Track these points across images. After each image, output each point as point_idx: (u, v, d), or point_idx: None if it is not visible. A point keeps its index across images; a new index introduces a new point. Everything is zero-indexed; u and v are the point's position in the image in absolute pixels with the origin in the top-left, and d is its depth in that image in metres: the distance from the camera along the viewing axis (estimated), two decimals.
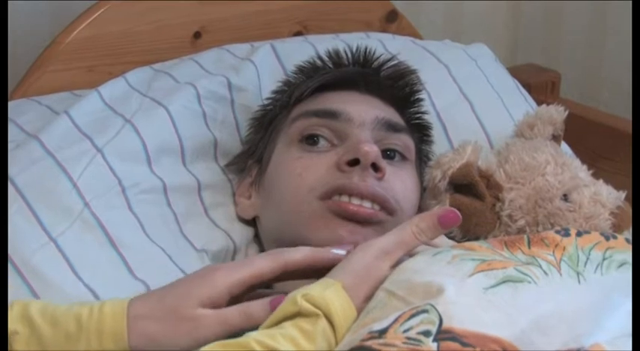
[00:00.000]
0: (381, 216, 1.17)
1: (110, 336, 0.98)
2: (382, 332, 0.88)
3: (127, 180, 1.24)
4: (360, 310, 0.95)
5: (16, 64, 1.42)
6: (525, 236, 1.00)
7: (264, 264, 1.02)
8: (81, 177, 1.21)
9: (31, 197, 1.18)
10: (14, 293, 1.08)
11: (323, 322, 0.93)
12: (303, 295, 0.94)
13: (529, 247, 0.98)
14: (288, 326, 0.92)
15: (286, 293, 0.98)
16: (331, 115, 1.22)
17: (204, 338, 0.97)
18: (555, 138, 1.34)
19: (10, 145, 1.22)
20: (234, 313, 0.99)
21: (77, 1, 1.49)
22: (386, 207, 1.17)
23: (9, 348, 0.97)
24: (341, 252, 1.03)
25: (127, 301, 1.00)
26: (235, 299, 1.01)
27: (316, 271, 1.01)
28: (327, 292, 0.94)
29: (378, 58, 1.31)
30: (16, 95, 1.38)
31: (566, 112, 1.35)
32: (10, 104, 1.32)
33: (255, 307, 1.00)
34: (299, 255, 1.03)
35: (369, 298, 0.96)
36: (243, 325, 0.97)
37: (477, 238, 1.22)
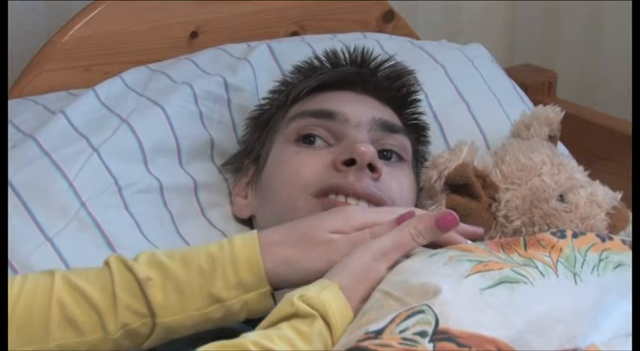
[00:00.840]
0: None
1: (245, 264, 0.99)
2: (378, 333, 0.88)
3: (123, 180, 1.24)
4: (356, 311, 0.95)
5: (13, 64, 1.42)
6: (521, 239, 1.00)
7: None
8: (77, 177, 1.21)
9: (27, 197, 1.18)
10: None
11: (319, 323, 0.92)
12: (300, 296, 0.94)
13: (525, 250, 0.98)
14: (284, 327, 0.92)
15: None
16: (328, 115, 1.22)
17: (339, 260, 0.99)
18: (552, 138, 1.34)
19: None
20: (365, 235, 1.02)
21: (73, 0, 1.48)
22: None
23: (144, 294, 0.98)
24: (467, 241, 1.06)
25: (256, 233, 1.02)
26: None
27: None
28: (324, 293, 0.94)
29: (375, 58, 1.31)
30: (12, 95, 1.38)
31: (563, 113, 1.35)
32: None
33: (384, 226, 1.02)
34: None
35: (365, 299, 0.96)
36: None
37: (473, 240, 1.22)
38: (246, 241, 1.01)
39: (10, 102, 1.34)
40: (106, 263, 1.00)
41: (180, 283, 0.98)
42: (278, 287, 1.01)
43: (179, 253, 1.01)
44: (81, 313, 0.97)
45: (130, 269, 0.99)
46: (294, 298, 0.94)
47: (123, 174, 1.24)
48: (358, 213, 1.05)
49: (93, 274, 0.99)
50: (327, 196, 1.16)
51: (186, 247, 1.03)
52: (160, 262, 0.99)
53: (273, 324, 0.93)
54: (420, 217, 1.03)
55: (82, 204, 1.19)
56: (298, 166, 1.19)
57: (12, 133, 1.26)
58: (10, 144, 1.24)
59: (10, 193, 1.18)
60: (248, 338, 0.91)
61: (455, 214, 1.02)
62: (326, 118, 1.22)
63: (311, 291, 0.95)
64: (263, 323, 0.95)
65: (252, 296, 1.00)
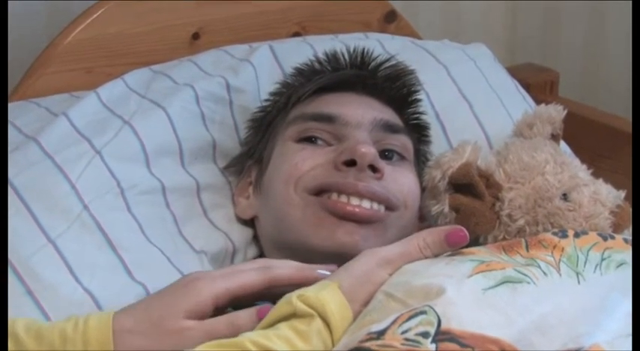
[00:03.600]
0: (381, 215, 1.17)
1: (97, 347, 0.98)
2: (381, 333, 0.88)
3: (125, 181, 1.24)
4: (357, 314, 0.95)
5: (14, 66, 1.42)
6: (523, 240, 1.00)
7: (251, 277, 1.02)
8: (79, 178, 1.21)
9: (29, 199, 1.18)
10: (12, 295, 1.08)
11: (318, 323, 0.93)
12: (299, 295, 0.94)
13: (527, 250, 0.98)
14: (283, 327, 0.92)
15: (273, 302, 0.98)
16: (327, 119, 1.22)
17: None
18: (554, 137, 1.34)
19: (8, 147, 1.22)
20: (221, 324, 0.99)
21: (75, 2, 1.48)
22: (389, 205, 1.18)
23: None
24: (326, 273, 1.02)
25: (112, 314, 1.00)
26: (219, 310, 1.01)
27: (299, 287, 0.99)
28: (323, 293, 0.95)
29: (375, 59, 1.31)
30: (14, 97, 1.38)
31: (565, 112, 1.34)
32: (9, 106, 1.31)
33: (242, 316, 0.99)
34: (286, 272, 1.03)
35: (367, 302, 0.96)
36: (229, 336, 0.95)
37: (476, 238, 1.22)
38: (101, 323, 0.99)
39: (11, 104, 1.34)
40: None
41: None
42: None
43: (36, 327, 0.99)
44: None
45: None
46: (292, 298, 0.94)
47: (125, 176, 1.24)
48: (207, 285, 1.01)
49: None
50: (325, 193, 1.16)
51: (46, 323, 1.01)
52: (16, 334, 0.98)
53: (272, 324, 0.93)
54: (431, 230, 1.03)
55: (85, 206, 1.19)
56: (299, 160, 1.19)
57: (14, 136, 1.26)
58: (12, 146, 1.23)
59: (13, 195, 1.17)
60: (246, 337, 0.91)
61: (465, 231, 1.02)
62: (325, 121, 1.22)
63: (310, 291, 0.95)
64: (262, 323, 0.95)
65: None
